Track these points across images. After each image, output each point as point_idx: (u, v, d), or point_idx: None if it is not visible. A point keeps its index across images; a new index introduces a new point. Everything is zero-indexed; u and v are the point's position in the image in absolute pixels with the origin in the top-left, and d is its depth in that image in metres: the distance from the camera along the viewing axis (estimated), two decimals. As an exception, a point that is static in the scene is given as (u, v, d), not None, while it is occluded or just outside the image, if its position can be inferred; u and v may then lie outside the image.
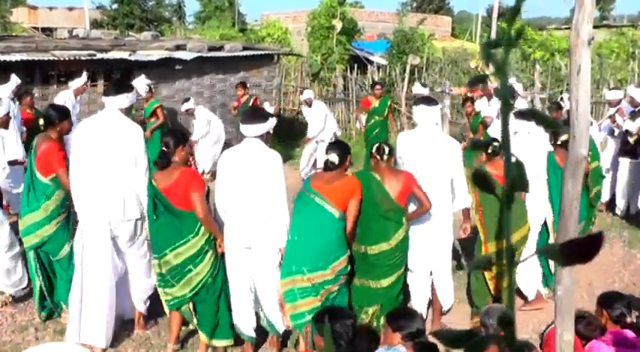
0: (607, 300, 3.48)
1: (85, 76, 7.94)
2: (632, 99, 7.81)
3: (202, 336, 4.25)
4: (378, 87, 9.79)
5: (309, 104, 9.84)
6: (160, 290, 4.27)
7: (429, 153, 4.55)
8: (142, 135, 4.40)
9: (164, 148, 4.07)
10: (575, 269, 2.35)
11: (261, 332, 4.45)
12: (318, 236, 4.04)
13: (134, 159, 4.22)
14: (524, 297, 5.16)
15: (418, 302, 4.76)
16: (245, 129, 4.14)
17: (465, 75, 16.49)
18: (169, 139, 4.12)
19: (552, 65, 16.40)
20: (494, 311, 3.29)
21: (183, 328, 4.49)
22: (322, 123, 9.55)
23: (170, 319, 4.33)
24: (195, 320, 4.25)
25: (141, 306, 4.59)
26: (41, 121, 4.63)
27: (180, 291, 4.14)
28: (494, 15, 14.74)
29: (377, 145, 4.45)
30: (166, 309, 4.31)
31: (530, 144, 5.10)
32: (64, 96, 7.63)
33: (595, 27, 2.44)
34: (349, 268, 4.22)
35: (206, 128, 9.62)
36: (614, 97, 8.06)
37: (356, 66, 16.71)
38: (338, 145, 4.36)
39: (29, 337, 4.52)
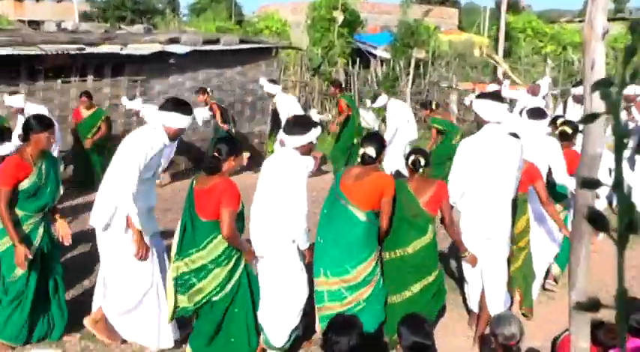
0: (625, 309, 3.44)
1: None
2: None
3: (188, 349, 4.24)
4: (333, 87, 10.37)
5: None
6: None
7: (495, 156, 4.48)
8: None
9: (216, 154, 3.98)
10: (589, 273, 2.35)
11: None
12: (341, 239, 4.10)
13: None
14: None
15: (472, 301, 4.86)
16: (285, 139, 4.16)
17: (472, 69, 16.51)
18: (223, 147, 4.01)
19: (564, 59, 16.43)
20: (504, 319, 3.28)
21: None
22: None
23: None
24: None
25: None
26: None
27: (185, 302, 4.07)
28: (503, 8, 14.72)
29: (413, 158, 4.45)
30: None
31: (542, 143, 5.27)
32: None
33: (609, 20, 2.45)
34: (378, 271, 4.23)
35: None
36: (629, 92, 8.02)
37: (358, 60, 16.75)
38: (376, 138, 4.34)
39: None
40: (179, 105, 4.23)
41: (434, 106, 9.15)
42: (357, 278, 4.11)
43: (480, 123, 4.72)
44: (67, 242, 4.51)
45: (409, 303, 4.40)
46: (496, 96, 4.94)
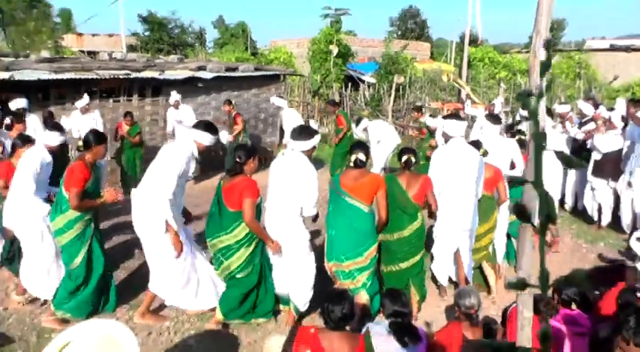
0: (558, 286, 3.44)
1: (86, 96, 7.79)
2: (581, 112, 7.83)
3: (217, 312, 4.28)
4: (329, 105, 10.16)
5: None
6: None
7: (461, 163, 4.60)
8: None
9: (237, 159, 4.07)
10: (533, 258, 2.35)
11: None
12: (352, 229, 4.09)
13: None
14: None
15: (441, 277, 4.95)
16: (293, 144, 4.16)
17: (441, 91, 16.49)
18: (241, 153, 4.09)
19: (514, 83, 16.42)
20: (465, 292, 3.27)
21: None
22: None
23: None
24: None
25: (155, 292, 4.43)
26: (79, 143, 4.29)
27: (220, 275, 4.24)
28: (466, 41, 14.71)
29: (406, 158, 4.43)
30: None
31: (502, 143, 5.42)
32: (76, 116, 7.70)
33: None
34: (377, 256, 4.27)
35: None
36: (563, 110, 8.03)
37: (350, 84, 16.74)
38: (364, 146, 4.33)
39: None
40: (210, 127, 4.25)
41: (424, 111, 9.72)
42: (365, 261, 4.13)
43: (447, 138, 4.80)
44: (119, 197, 4.39)
45: (401, 275, 4.42)
46: (458, 116, 5.03)
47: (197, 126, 4.25)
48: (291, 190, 4.10)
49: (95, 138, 4.21)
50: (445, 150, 4.75)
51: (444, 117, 4.97)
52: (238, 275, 4.13)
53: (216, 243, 4.11)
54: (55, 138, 4.69)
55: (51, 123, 5.04)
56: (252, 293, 4.27)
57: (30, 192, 4.40)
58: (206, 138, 4.16)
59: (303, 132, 4.24)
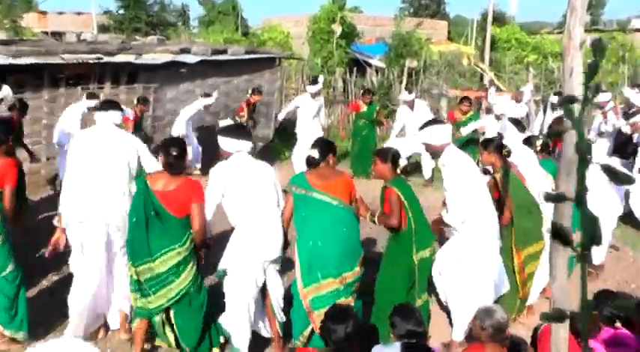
0: (599, 300, 3.41)
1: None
2: (628, 100, 7.76)
3: (183, 346, 4.09)
4: (367, 95, 10.30)
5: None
6: (132, 297, 4.09)
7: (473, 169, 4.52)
8: (135, 143, 4.46)
9: (174, 154, 3.91)
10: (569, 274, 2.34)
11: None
12: (346, 236, 3.98)
13: (128, 165, 4.29)
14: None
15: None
16: (237, 145, 4.11)
17: (460, 77, 16.48)
18: (175, 148, 3.94)
19: (545, 68, 16.41)
20: (491, 310, 3.25)
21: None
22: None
23: (136, 330, 4.09)
24: (170, 335, 4.09)
25: (127, 309, 4.43)
26: None
27: (157, 302, 3.92)
28: (489, 19, 14.71)
29: (405, 165, 4.41)
30: (132, 320, 4.19)
31: (520, 151, 5.17)
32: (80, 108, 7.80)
33: (586, 31, 2.44)
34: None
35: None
36: (602, 99, 7.99)
37: (355, 69, 16.72)
38: (319, 142, 4.29)
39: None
40: (112, 104, 4.61)
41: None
42: (357, 273, 4.01)
43: (434, 154, 4.46)
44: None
45: (424, 307, 4.27)
46: (439, 121, 4.84)
47: (103, 107, 4.55)
48: (268, 193, 4.05)
49: (6, 133, 4.31)
50: (447, 161, 4.38)
51: (421, 128, 4.46)
52: (191, 290, 3.96)
53: (167, 259, 3.87)
54: None
55: None
56: (207, 316, 4.11)
57: None
58: (116, 116, 4.50)
59: (243, 132, 4.26)
